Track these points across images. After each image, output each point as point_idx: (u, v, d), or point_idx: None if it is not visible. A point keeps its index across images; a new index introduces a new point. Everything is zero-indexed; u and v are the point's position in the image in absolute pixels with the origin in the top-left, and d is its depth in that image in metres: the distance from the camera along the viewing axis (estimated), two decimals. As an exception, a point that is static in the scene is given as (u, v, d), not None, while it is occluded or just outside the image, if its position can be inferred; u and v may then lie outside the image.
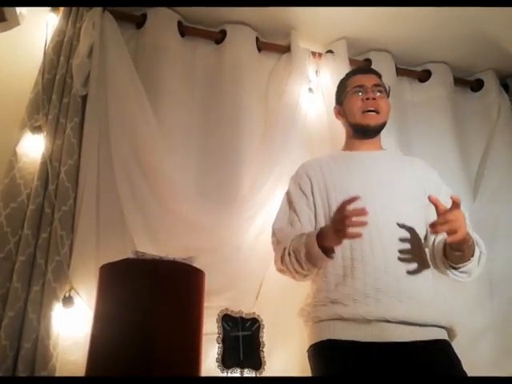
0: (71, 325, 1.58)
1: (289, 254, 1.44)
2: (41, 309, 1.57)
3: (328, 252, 1.35)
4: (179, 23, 2.14)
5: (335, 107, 1.77)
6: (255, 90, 2.17)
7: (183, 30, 2.16)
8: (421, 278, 1.43)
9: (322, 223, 1.50)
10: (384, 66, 2.35)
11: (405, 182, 1.57)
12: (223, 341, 1.55)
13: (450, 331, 1.43)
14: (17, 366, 1.48)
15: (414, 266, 1.43)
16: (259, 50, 2.25)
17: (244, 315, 1.62)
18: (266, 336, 1.62)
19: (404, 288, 1.38)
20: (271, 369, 1.62)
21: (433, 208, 1.34)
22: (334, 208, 1.33)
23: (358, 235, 1.25)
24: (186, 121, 2.05)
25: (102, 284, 1.45)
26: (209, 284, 1.52)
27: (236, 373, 1.52)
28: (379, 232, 1.43)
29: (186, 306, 1.42)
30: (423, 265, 1.46)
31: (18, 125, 1.78)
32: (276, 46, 2.30)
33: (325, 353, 1.40)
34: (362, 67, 1.71)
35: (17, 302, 1.54)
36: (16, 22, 1.79)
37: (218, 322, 1.57)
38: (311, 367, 1.45)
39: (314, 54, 2.29)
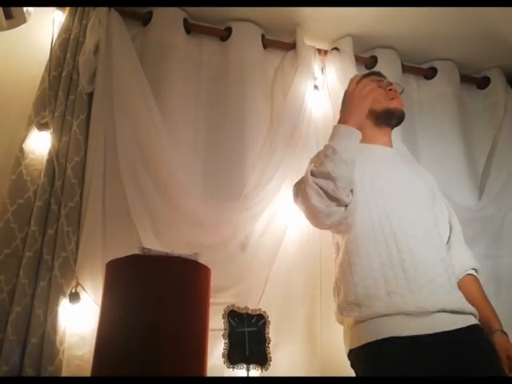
0: (77, 320, 1.59)
1: (313, 173, 1.35)
2: (47, 304, 1.57)
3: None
4: (185, 20, 2.14)
5: None
6: (261, 87, 2.16)
7: (189, 28, 2.16)
8: (451, 269, 1.43)
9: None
10: (390, 63, 2.36)
11: (425, 181, 1.60)
12: (229, 337, 1.55)
13: (475, 316, 1.41)
14: (24, 361, 1.49)
15: (448, 260, 1.45)
16: (265, 47, 2.25)
17: (250, 311, 1.62)
18: (272, 332, 1.62)
19: (449, 278, 1.38)
20: (277, 364, 1.62)
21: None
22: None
23: None
24: (192, 117, 2.05)
25: (108, 280, 1.45)
26: (214, 280, 1.52)
27: (242, 368, 1.52)
28: (412, 229, 1.41)
29: (192, 302, 1.42)
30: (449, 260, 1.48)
31: (25, 121, 1.79)
32: (281, 44, 2.30)
33: (389, 352, 1.26)
34: (373, 71, 1.79)
35: (24, 298, 1.55)
36: (23, 20, 1.79)
37: (223, 317, 1.57)
38: (363, 369, 1.33)
39: (319, 51, 2.29)
